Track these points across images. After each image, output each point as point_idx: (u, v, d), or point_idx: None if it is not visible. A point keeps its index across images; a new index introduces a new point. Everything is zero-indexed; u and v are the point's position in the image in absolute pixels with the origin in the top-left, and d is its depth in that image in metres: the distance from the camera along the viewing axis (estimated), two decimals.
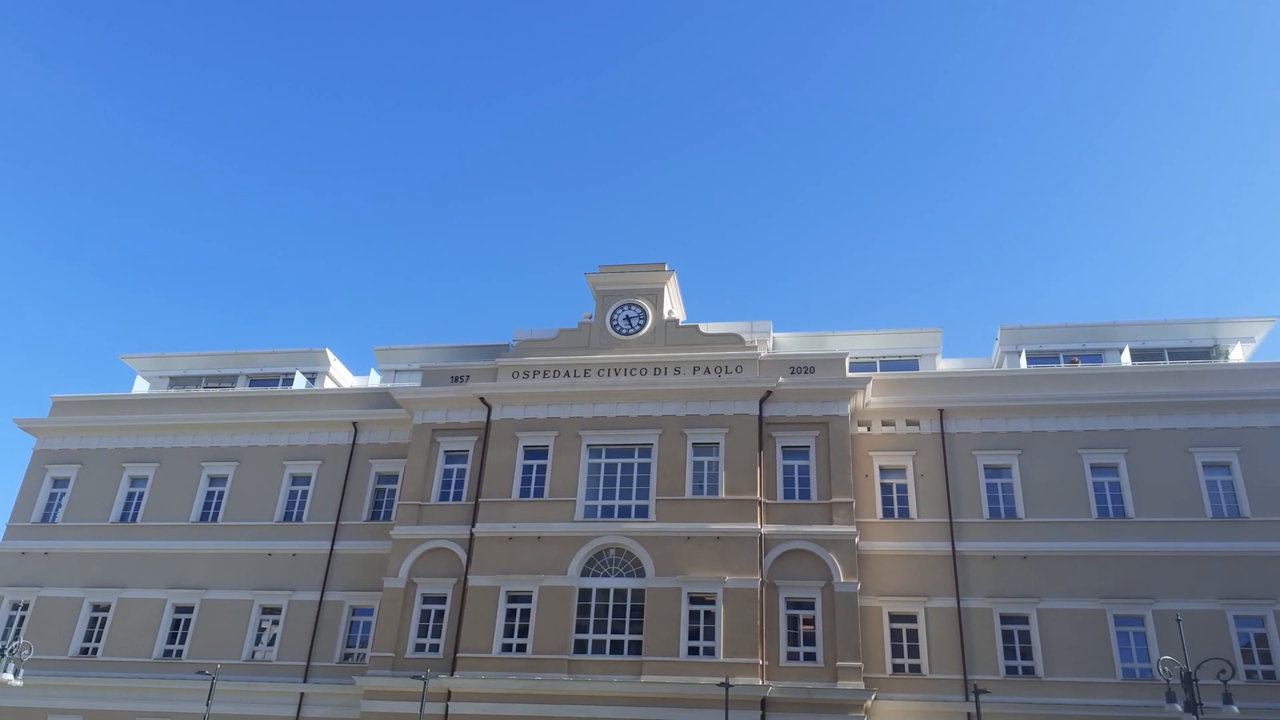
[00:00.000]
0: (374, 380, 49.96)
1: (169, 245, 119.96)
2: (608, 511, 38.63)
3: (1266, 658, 34.38)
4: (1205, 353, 42.64)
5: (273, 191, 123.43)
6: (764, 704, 33.85)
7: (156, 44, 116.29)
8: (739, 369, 39.88)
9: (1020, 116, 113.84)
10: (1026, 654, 35.54)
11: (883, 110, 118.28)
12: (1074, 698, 34.22)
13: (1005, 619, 36.13)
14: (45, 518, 44.83)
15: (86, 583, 42.51)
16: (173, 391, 48.17)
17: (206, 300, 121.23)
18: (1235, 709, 25.85)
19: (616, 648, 36.15)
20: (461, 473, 40.76)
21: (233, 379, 49.38)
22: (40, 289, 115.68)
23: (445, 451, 41.23)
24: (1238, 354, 42.43)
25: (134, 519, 43.96)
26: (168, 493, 44.11)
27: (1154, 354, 42.81)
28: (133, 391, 48.95)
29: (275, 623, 40.66)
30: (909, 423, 39.99)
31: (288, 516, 42.90)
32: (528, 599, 37.43)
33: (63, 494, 45.17)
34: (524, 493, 39.48)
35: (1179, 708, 26.03)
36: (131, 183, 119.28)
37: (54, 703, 39.86)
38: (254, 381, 49.27)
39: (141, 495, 44.45)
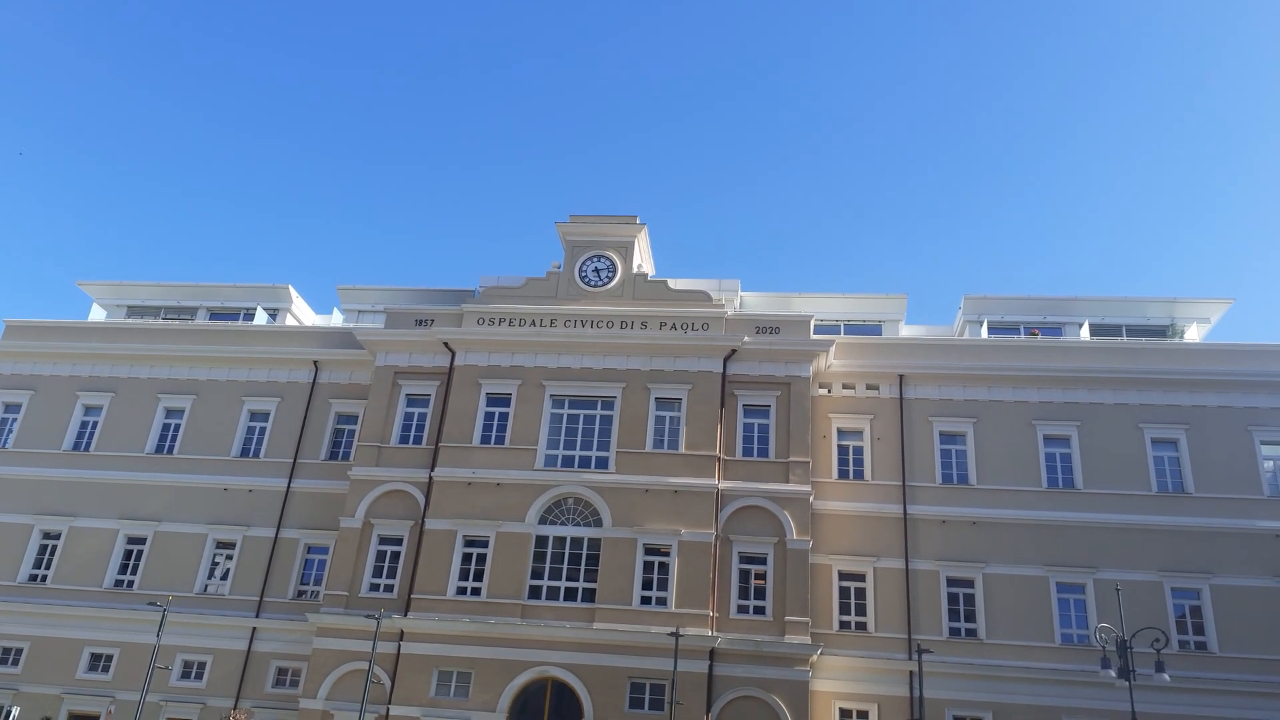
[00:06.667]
0: (337, 319, 49.45)
1: (131, 173, 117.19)
2: (568, 461, 38.81)
3: (1200, 629, 35.59)
4: (1162, 331, 43.42)
5: (240, 125, 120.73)
6: (713, 654, 34.50)
7: None
8: (705, 326, 39.97)
9: (993, 91, 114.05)
10: (970, 616, 36.49)
11: (859, 81, 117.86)
12: (1013, 660, 35.27)
13: (951, 581, 37.02)
14: None
15: (37, 510, 42.04)
16: (130, 321, 47.35)
17: (168, 231, 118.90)
18: (1167, 677, 26.73)
19: (571, 595, 36.56)
20: (422, 416, 40.66)
21: (192, 311, 48.61)
22: None
23: (407, 395, 41.07)
24: (1193, 334, 43.28)
25: (87, 448, 43.39)
26: (123, 423, 43.56)
27: (1112, 330, 43.55)
28: (89, 319, 48.06)
29: (229, 557, 40.56)
30: (869, 386, 40.46)
31: (245, 452, 42.61)
32: (484, 544, 37.64)
33: (14, 419, 44.41)
34: (485, 439, 39.51)
35: (1113, 673, 26.87)
36: (93, 110, 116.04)
37: (1, 628, 39.65)
38: (214, 315, 48.57)
39: (95, 424, 43.84)
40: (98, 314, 48.88)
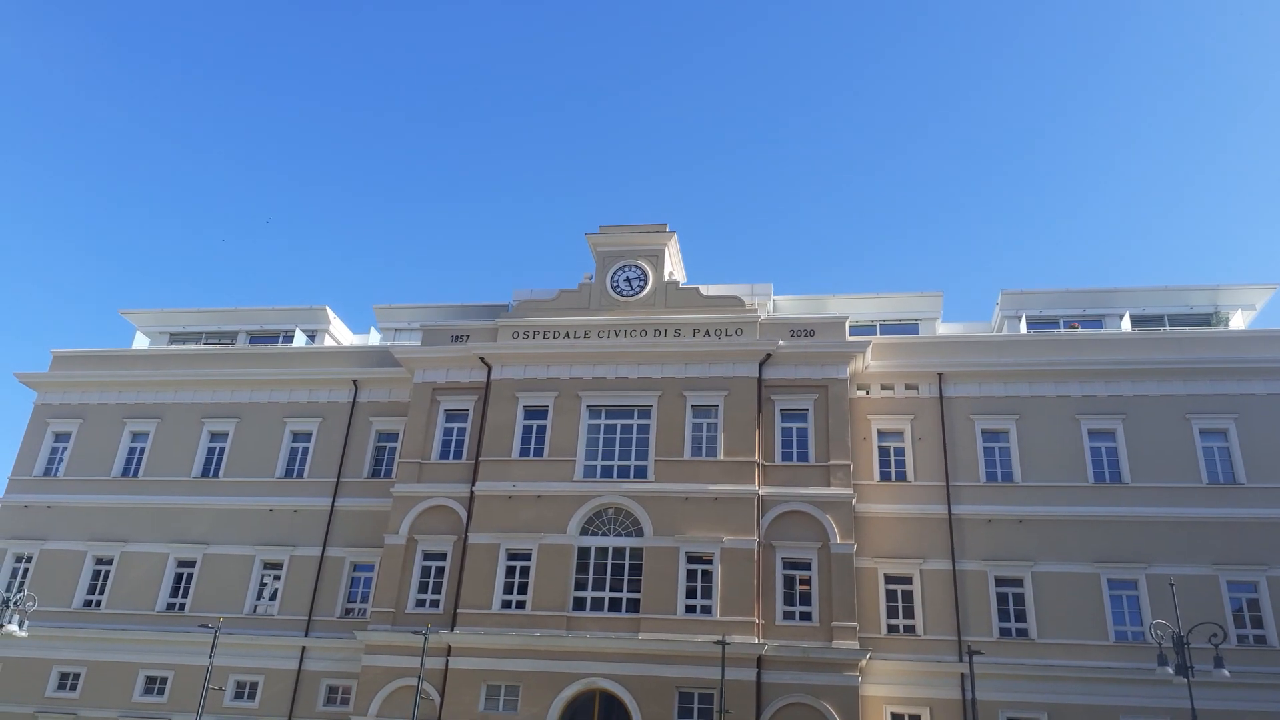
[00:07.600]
0: (374, 339, 49.98)
1: (169, 200, 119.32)
2: (607, 472, 38.85)
3: (1258, 622, 34.80)
4: (1205, 319, 42.64)
5: (273, 148, 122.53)
6: (760, 662, 34.31)
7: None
8: (739, 332, 39.86)
9: (1024, 86, 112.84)
10: (1020, 616, 35.97)
11: (886, 80, 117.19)
12: (1066, 659, 34.70)
13: (1000, 581, 36.51)
14: (47, 471, 45.05)
15: (89, 536, 42.86)
16: (173, 348, 48.19)
17: (207, 256, 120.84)
18: (1226, 672, 26.13)
19: (615, 605, 36.54)
20: (462, 432, 40.91)
21: (233, 335, 49.36)
22: (40, 243, 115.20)
23: (445, 410, 41.36)
24: (1238, 321, 42.44)
25: (136, 474, 44.18)
26: (169, 448, 44.29)
27: (1154, 320, 42.82)
28: (133, 347, 48.96)
29: (277, 578, 41.05)
30: (908, 386, 40.10)
31: (288, 473, 43.13)
32: (527, 557, 37.76)
33: (64, 448, 45.34)
34: (524, 452, 39.67)
35: (1170, 670, 26.31)
36: (133, 137, 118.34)
37: (58, 654, 40.40)
38: (254, 338, 49.26)
39: (143, 450, 44.64)
40: (141, 341, 49.76)
